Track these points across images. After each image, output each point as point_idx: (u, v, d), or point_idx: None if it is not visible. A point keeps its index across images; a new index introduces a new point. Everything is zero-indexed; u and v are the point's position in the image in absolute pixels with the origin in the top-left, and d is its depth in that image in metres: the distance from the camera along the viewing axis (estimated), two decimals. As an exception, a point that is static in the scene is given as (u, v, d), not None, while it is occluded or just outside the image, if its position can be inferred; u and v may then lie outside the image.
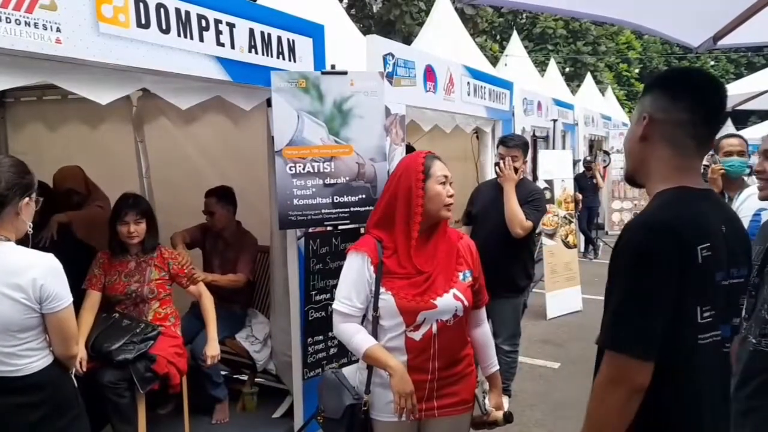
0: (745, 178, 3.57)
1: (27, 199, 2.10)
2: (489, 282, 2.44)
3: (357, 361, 2.29)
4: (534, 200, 3.87)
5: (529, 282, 4.26)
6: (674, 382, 1.37)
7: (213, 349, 3.47)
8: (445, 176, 2.16)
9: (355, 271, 2.12)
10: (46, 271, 2.03)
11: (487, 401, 2.24)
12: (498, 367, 2.35)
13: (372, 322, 2.11)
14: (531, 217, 3.80)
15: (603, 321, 1.39)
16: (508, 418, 2.19)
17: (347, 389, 2.17)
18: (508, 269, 3.91)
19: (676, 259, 1.34)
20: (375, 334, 2.10)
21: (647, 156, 1.51)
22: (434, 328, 2.07)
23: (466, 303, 2.12)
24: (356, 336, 2.09)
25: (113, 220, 3.38)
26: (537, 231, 7.70)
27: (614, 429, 1.36)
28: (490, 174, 5.69)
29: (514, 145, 3.90)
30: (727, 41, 2.96)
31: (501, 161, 3.83)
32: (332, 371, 2.31)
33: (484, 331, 2.35)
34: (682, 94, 1.46)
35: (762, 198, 2.35)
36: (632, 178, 1.61)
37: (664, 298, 1.33)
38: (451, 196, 2.15)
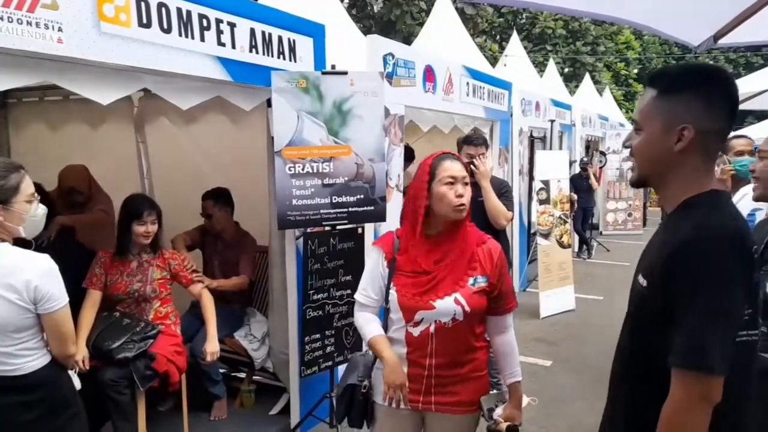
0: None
1: (11, 200, 2.03)
2: None
3: (361, 357, 2.35)
4: (506, 192, 4.03)
5: (510, 268, 4.36)
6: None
7: (213, 346, 3.50)
8: (452, 177, 2.11)
9: (372, 265, 2.25)
10: (40, 272, 2.02)
11: (499, 410, 2.16)
12: (518, 378, 2.24)
13: (385, 313, 2.21)
14: (510, 208, 3.96)
15: (684, 341, 1.30)
16: (513, 431, 2.13)
17: (357, 372, 2.27)
18: None
19: (747, 268, 1.33)
20: (386, 324, 2.20)
21: (679, 165, 1.43)
22: (432, 328, 2.09)
23: (467, 309, 2.09)
24: (366, 326, 2.23)
25: (128, 219, 3.37)
26: (533, 231, 7.78)
27: None
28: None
29: (480, 143, 4.00)
30: (727, 40, 2.94)
31: (475, 159, 3.89)
32: (360, 354, 2.38)
33: (507, 339, 2.25)
34: (723, 101, 1.40)
35: (755, 198, 2.37)
36: (645, 182, 1.56)
37: (741, 309, 1.32)
38: (460, 197, 2.10)
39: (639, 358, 1.49)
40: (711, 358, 1.27)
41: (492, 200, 3.83)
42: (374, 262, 2.24)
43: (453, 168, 2.13)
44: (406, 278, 2.14)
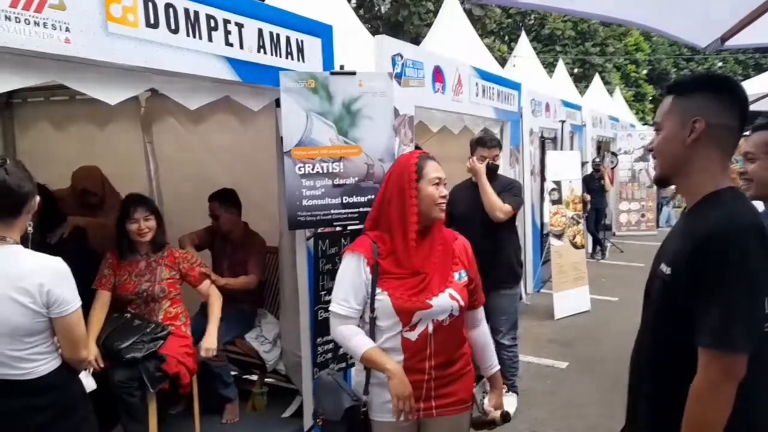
0: None
1: (37, 198, 2.12)
2: (488, 278, 2.43)
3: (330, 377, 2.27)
4: (512, 188, 4.03)
5: (521, 268, 4.40)
6: (750, 371, 1.44)
7: (209, 342, 3.40)
8: (438, 178, 2.13)
9: (352, 273, 2.11)
10: (52, 276, 2.01)
11: (486, 400, 2.22)
12: (498, 368, 2.32)
13: (369, 323, 2.10)
14: (508, 200, 3.92)
15: (710, 323, 1.42)
16: (506, 417, 2.19)
17: (345, 391, 2.15)
18: (502, 261, 4.02)
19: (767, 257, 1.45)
20: (372, 335, 2.09)
21: (695, 158, 1.56)
22: (430, 328, 2.06)
23: (461, 303, 2.10)
24: (354, 338, 2.08)
25: (121, 220, 3.36)
26: (545, 232, 7.73)
27: (721, 425, 1.43)
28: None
29: (493, 145, 4.03)
30: (734, 42, 2.99)
31: (469, 160, 3.92)
32: (328, 373, 2.30)
33: (482, 332, 2.31)
34: (733, 101, 1.54)
35: (750, 198, 2.37)
36: (666, 179, 1.67)
37: (762, 293, 1.44)
38: (443, 197, 2.13)
39: (663, 342, 1.59)
40: (737, 338, 1.40)
41: (487, 192, 3.86)
42: (354, 269, 2.11)
43: (439, 169, 2.18)
44: (396, 281, 2.07)
